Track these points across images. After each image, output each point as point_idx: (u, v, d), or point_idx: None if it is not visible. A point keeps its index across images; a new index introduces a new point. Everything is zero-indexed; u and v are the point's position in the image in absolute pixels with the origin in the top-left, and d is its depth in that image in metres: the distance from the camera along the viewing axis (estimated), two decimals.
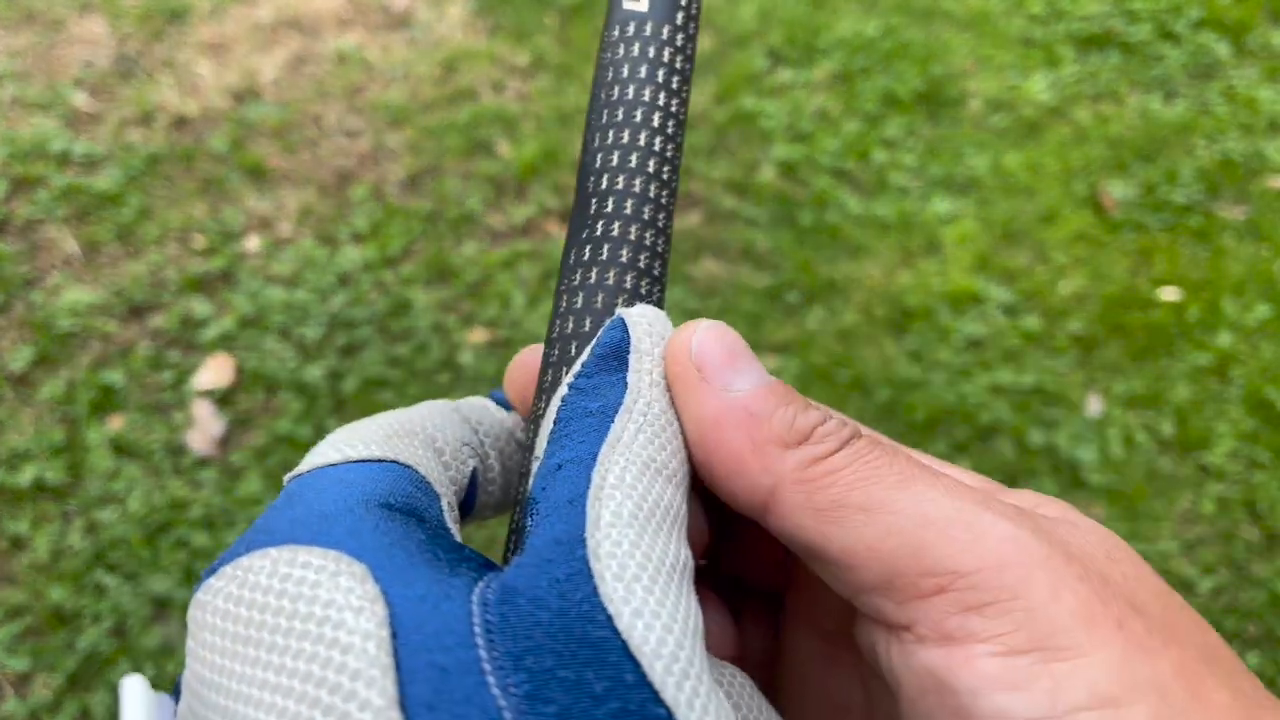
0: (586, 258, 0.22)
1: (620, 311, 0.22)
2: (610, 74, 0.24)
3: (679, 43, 0.24)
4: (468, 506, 0.23)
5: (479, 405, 0.25)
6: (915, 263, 1.46)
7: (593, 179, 0.23)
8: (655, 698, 0.16)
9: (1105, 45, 1.80)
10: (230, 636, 0.17)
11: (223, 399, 1.27)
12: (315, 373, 1.29)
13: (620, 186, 0.23)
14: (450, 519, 0.20)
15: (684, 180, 1.54)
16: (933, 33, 1.80)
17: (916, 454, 0.23)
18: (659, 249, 0.23)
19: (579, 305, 0.22)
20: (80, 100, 1.59)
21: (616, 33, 0.24)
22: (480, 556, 0.19)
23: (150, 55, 1.66)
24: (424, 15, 1.76)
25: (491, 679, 0.15)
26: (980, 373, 1.35)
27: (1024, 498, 0.22)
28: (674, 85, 0.24)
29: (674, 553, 0.18)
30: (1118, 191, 1.57)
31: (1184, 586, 1.19)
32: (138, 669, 1.05)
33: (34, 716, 1.03)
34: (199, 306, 1.35)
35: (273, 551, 0.17)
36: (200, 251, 1.42)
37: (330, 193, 1.50)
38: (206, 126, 1.57)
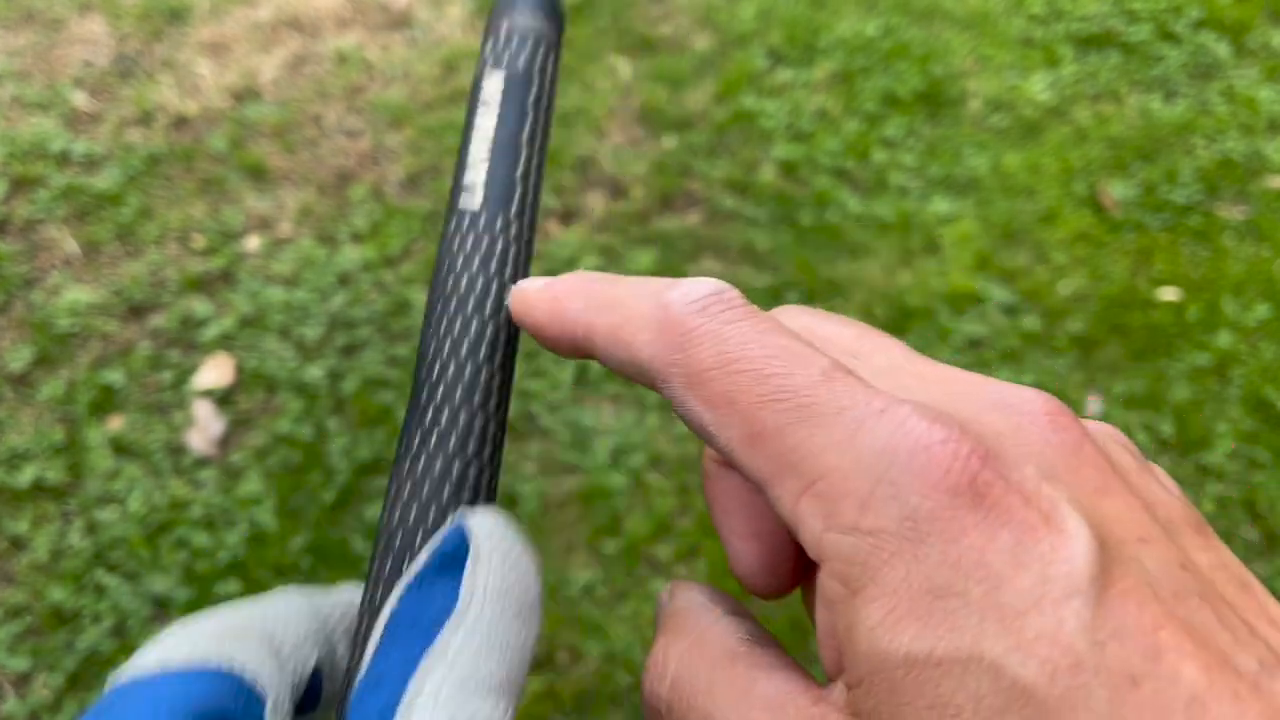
0: (417, 444, 0.23)
1: (462, 517, 0.22)
2: (445, 265, 0.25)
3: (513, 232, 0.25)
4: (312, 700, 0.23)
5: (336, 592, 0.25)
6: (915, 263, 1.46)
7: (425, 367, 0.24)
8: None
9: (1105, 45, 1.80)
10: None
11: (223, 399, 1.27)
12: (315, 372, 1.29)
13: (451, 373, 0.23)
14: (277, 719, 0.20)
15: (685, 179, 1.54)
16: (933, 32, 1.80)
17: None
18: (490, 433, 0.23)
19: (406, 494, 0.23)
20: (80, 100, 1.58)
21: (452, 226, 0.25)
22: None
23: (150, 55, 1.66)
24: (424, 15, 1.75)
25: None
26: (980, 373, 1.35)
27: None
28: (508, 273, 0.25)
29: None
30: (1118, 191, 1.57)
31: None
32: None
33: (34, 716, 1.03)
34: (199, 306, 1.35)
35: None
36: (200, 251, 1.41)
37: (330, 192, 1.50)
38: (206, 126, 1.57)
